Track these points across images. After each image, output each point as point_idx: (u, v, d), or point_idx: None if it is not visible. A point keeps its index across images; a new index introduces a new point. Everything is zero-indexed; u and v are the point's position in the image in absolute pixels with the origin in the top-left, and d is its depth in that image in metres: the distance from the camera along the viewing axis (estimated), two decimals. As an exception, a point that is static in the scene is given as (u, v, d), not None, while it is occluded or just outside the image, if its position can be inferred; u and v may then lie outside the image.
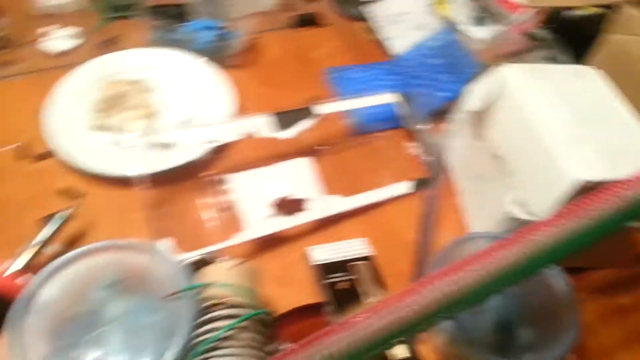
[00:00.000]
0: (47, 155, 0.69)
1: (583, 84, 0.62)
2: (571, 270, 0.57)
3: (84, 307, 0.49)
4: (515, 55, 0.78)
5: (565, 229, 0.42)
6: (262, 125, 0.67)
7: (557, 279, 0.54)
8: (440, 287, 0.39)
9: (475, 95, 0.64)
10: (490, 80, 0.63)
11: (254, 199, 0.65)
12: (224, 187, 0.66)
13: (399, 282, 0.59)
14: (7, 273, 0.52)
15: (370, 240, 0.63)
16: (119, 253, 0.52)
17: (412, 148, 0.75)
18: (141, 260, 0.51)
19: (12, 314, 0.46)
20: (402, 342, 0.42)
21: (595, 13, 0.79)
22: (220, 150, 0.70)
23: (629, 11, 0.70)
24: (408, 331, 0.39)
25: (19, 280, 0.52)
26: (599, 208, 0.42)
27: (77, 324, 0.48)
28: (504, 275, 0.41)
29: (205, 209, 0.65)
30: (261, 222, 0.63)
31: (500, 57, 0.76)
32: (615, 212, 0.43)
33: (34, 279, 0.49)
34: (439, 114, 0.75)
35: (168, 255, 0.52)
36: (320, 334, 0.38)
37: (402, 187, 0.70)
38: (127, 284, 0.50)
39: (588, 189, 0.47)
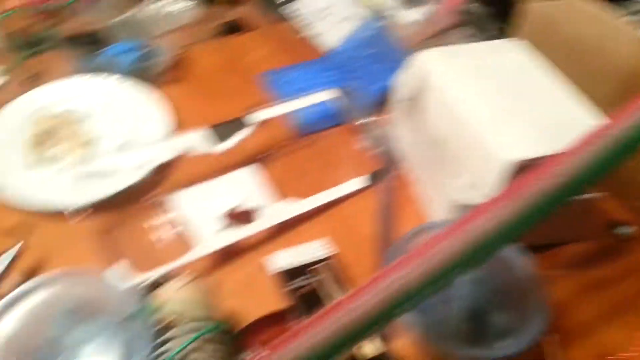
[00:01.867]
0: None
1: (507, 58, 0.61)
2: (540, 248, 0.57)
3: (43, 337, 0.48)
4: (445, 34, 0.79)
5: (505, 211, 0.41)
6: (199, 140, 0.66)
7: (519, 260, 0.54)
8: (390, 282, 0.39)
9: (403, 84, 0.64)
10: (414, 68, 0.63)
11: (203, 215, 0.63)
12: (171, 206, 0.64)
13: (366, 279, 0.58)
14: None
15: (332, 239, 0.62)
16: (70, 283, 0.52)
17: (360, 142, 0.75)
18: (93, 288, 0.51)
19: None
20: (361, 341, 0.41)
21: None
22: (161, 170, 0.68)
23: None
24: (364, 330, 0.38)
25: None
26: (536, 186, 0.42)
27: (38, 354, 0.48)
28: (450, 265, 0.40)
29: (154, 230, 0.63)
30: (214, 237, 0.61)
31: (429, 39, 0.77)
32: (554, 188, 0.43)
33: None
34: (379, 105, 0.75)
35: (116, 282, 0.51)
36: (279, 341, 0.37)
37: (357, 183, 0.70)
38: (83, 311, 0.50)
39: (525, 167, 0.46)
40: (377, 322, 0.38)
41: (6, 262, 0.56)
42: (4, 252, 0.57)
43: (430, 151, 0.63)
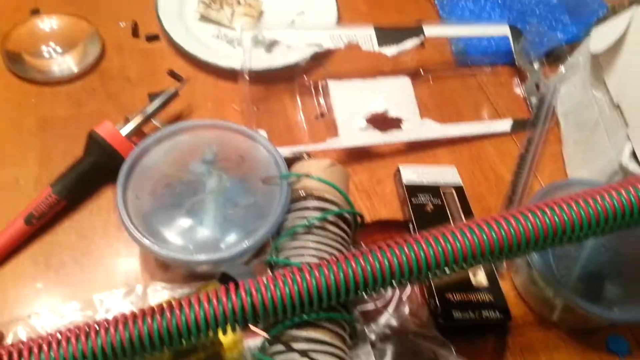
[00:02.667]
0: (157, 37, 0.70)
1: None
2: None
3: (183, 176, 0.51)
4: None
5: None
6: (366, 38, 0.66)
7: None
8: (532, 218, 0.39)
9: (598, 37, 0.61)
10: (618, 22, 0.59)
11: (350, 110, 0.64)
12: (323, 93, 0.66)
13: (485, 215, 0.58)
14: (123, 134, 0.55)
15: (460, 171, 0.62)
16: (221, 132, 0.53)
17: (519, 87, 0.72)
18: (241, 143, 0.53)
19: (121, 170, 0.49)
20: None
21: None
22: (321, 57, 0.70)
23: None
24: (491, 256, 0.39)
25: (130, 141, 0.55)
26: None
27: (176, 190, 0.50)
28: (601, 219, 0.39)
29: (301, 111, 0.65)
30: (355, 133, 0.63)
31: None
32: None
33: (142, 142, 0.51)
34: (554, 55, 0.72)
35: (268, 143, 0.52)
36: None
37: (502, 125, 0.68)
38: (226, 163, 0.52)
39: None
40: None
41: (163, 100, 0.59)
42: (163, 90, 0.60)
43: (599, 112, 0.60)
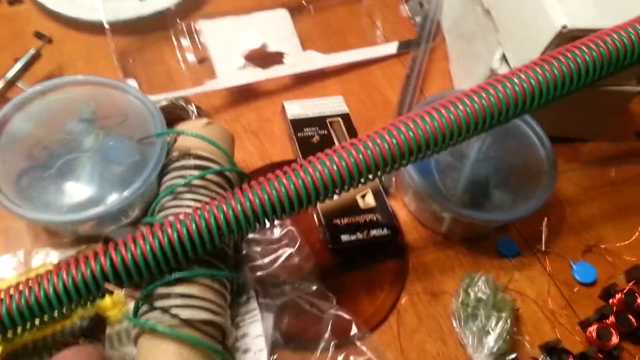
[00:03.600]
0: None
1: None
2: (561, 140, 0.56)
3: (60, 137, 0.48)
4: None
5: (540, 74, 0.40)
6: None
7: (537, 144, 0.53)
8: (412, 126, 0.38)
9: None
10: None
11: (226, 49, 0.62)
12: (198, 34, 0.63)
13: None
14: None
15: (348, 99, 0.61)
16: (99, 89, 0.51)
17: (404, 8, 0.71)
18: (121, 100, 0.50)
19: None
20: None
21: None
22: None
23: None
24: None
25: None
26: (577, 55, 0.40)
27: (52, 152, 0.47)
28: (474, 119, 0.39)
29: (180, 56, 0.63)
30: (233, 73, 0.61)
31: None
32: (595, 61, 0.40)
33: (9, 103, 0.48)
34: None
35: (139, 93, 0.50)
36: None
37: (386, 48, 0.67)
38: (107, 121, 0.49)
39: (573, 39, 0.44)
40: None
41: (25, 60, 0.56)
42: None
43: (475, 20, 0.59)
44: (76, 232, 0.50)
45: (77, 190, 0.46)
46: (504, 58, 0.54)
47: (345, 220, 0.51)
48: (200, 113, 0.57)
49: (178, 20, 0.63)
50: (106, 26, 0.59)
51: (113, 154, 0.48)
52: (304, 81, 0.64)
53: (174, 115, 0.56)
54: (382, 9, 0.71)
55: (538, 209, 0.49)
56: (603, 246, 0.54)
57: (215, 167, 0.45)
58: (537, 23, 0.49)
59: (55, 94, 0.50)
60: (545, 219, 0.54)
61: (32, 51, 0.56)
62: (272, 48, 0.63)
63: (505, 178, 0.53)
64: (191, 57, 0.63)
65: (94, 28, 0.63)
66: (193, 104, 0.56)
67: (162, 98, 0.56)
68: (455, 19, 0.66)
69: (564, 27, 0.47)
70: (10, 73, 0.55)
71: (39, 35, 0.61)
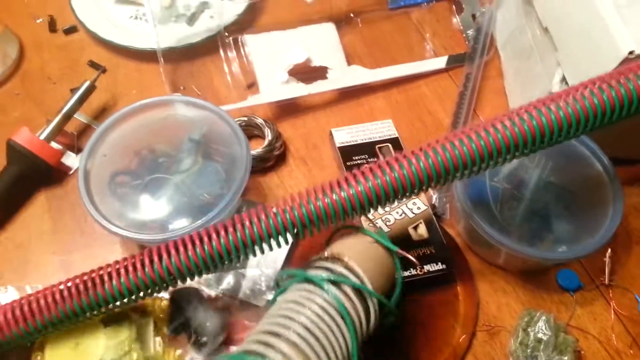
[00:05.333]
0: (75, 28, 0.68)
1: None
2: (622, 162, 0.52)
3: (167, 148, 0.52)
4: None
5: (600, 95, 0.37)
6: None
7: (600, 165, 0.51)
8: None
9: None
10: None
11: (271, 63, 0.62)
12: (244, 49, 0.63)
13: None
14: (42, 137, 0.55)
15: (397, 121, 0.59)
16: (203, 112, 0.53)
17: (456, 21, 0.69)
18: (220, 127, 0.52)
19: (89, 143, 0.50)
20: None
21: None
22: (244, 19, 0.67)
23: None
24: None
25: (52, 145, 0.55)
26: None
27: (155, 157, 0.51)
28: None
29: (224, 72, 0.63)
30: (276, 87, 0.60)
31: None
32: None
33: (134, 105, 0.52)
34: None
35: (237, 125, 0.51)
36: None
37: (436, 62, 0.65)
38: (206, 146, 0.52)
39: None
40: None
41: (81, 92, 0.57)
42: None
43: (532, 37, 0.56)
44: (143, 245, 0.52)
45: (151, 209, 0.49)
46: (564, 80, 0.51)
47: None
48: (274, 131, 0.58)
49: (227, 33, 0.64)
50: (159, 55, 0.59)
51: (204, 181, 0.51)
52: (348, 97, 0.63)
53: (248, 133, 0.58)
54: (432, 22, 0.69)
55: (604, 244, 0.47)
56: (673, 279, 0.51)
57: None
58: (601, 46, 0.46)
59: (169, 110, 0.53)
60: (609, 249, 0.51)
61: (87, 83, 0.58)
62: (317, 62, 0.62)
63: (568, 207, 0.50)
64: (237, 71, 0.63)
65: (144, 56, 0.64)
66: (270, 123, 0.58)
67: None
68: (510, 33, 0.63)
69: (631, 52, 0.43)
70: (67, 107, 0.56)
71: (94, 65, 0.62)
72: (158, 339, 0.44)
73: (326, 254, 0.41)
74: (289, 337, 0.35)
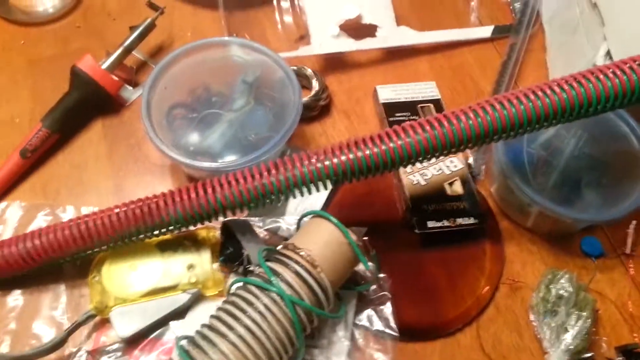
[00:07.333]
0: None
1: None
2: None
3: (221, 87, 0.55)
4: None
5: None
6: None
7: (635, 142, 0.53)
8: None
9: None
10: None
11: (323, 16, 0.63)
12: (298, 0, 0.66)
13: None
14: (104, 67, 0.57)
15: (441, 84, 0.62)
16: (259, 56, 0.55)
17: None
18: (275, 73, 0.54)
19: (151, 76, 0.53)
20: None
21: None
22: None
23: None
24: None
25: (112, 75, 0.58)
26: None
27: (209, 95, 0.55)
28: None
29: (276, 21, 0.66)
30: (327, 40, 0.62)
31: None
32: None
33: (196, 42, 0.55)
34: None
35: (292, 73, 0.54)
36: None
37: (482, 31, 0.66)
38: (258, 89, 0.55)
39: None
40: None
41: (140, 30, 0.59)
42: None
43: (579, 11, 0.58)
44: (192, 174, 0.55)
45: (206, 140, 0.53)
46: (608, 54, 0.53)
47: (432, 207, 0.53)
48: (322, 83, 0.60)
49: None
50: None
51: (253, 123, 0.54)
52: (394, 58, 0.65)
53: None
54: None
55: (631, 211, 0.49)
56: (692, 254, 0.54)
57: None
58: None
59: (225, 51, 0.56)
60: (634, 222, 0.54)
61: (148, 20, 0.60)
62: (367, 20, 0.64)
63: (599, 177, 0.53)
64: (289, 22, 0.65)
65: (200, 0, 0.66)
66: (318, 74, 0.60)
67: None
68: (557, 8, 0.64)
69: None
70: (128, 42, 0.59)
71: (152, 6, 0.65)
72: (216, 265, 0.47)
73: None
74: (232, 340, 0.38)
